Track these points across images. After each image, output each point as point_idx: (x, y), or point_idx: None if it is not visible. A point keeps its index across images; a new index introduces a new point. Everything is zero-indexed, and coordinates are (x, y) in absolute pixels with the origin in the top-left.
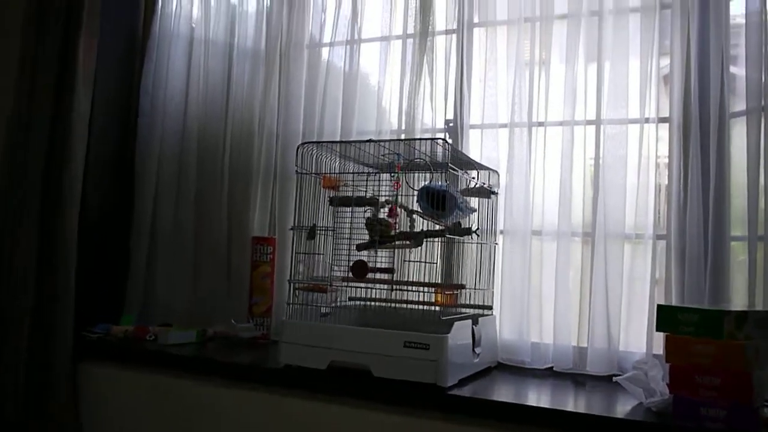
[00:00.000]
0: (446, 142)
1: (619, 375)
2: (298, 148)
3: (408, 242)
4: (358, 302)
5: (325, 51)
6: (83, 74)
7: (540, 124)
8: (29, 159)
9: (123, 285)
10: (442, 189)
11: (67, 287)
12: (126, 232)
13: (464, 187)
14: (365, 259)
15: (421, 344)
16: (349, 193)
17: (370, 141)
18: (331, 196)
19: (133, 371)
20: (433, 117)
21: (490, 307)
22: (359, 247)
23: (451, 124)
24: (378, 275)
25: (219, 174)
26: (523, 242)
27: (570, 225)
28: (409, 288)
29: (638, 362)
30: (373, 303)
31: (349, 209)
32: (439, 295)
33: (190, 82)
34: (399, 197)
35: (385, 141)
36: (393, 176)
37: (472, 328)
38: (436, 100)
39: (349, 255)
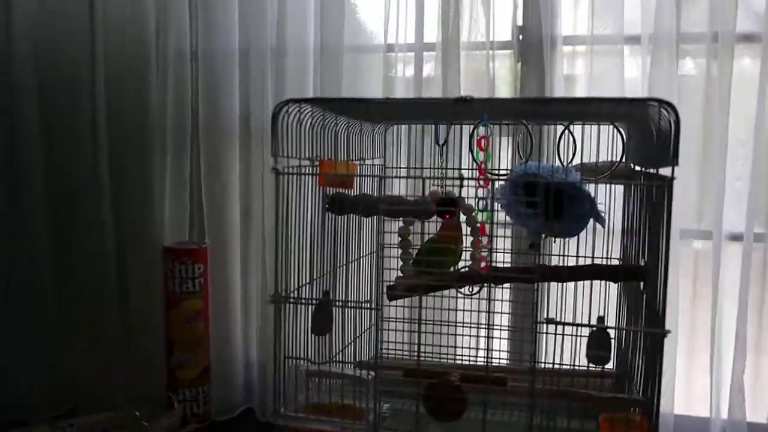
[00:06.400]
0: (670, 104)
1: None
2: (275, 112)
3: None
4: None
5: None
6: None
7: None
8: None
9: None
10: (561, 179)
11: None
12: None
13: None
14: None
15: None
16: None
17: (467, 100)
18: (331, 195)
19: None
20: (488, 24)
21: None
22: (391, 296)
23: (521, 37)
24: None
25: (89, 138)
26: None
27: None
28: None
29: None
30: None
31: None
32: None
33: None
34: (485, 200)
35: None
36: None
37: None
38: None
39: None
